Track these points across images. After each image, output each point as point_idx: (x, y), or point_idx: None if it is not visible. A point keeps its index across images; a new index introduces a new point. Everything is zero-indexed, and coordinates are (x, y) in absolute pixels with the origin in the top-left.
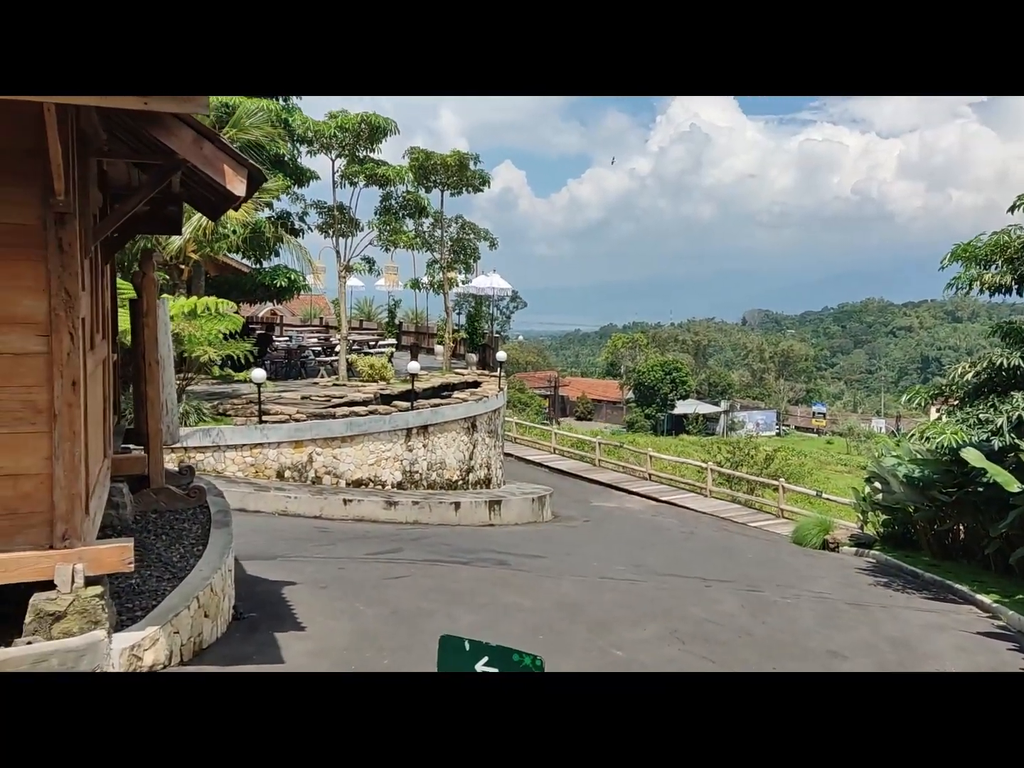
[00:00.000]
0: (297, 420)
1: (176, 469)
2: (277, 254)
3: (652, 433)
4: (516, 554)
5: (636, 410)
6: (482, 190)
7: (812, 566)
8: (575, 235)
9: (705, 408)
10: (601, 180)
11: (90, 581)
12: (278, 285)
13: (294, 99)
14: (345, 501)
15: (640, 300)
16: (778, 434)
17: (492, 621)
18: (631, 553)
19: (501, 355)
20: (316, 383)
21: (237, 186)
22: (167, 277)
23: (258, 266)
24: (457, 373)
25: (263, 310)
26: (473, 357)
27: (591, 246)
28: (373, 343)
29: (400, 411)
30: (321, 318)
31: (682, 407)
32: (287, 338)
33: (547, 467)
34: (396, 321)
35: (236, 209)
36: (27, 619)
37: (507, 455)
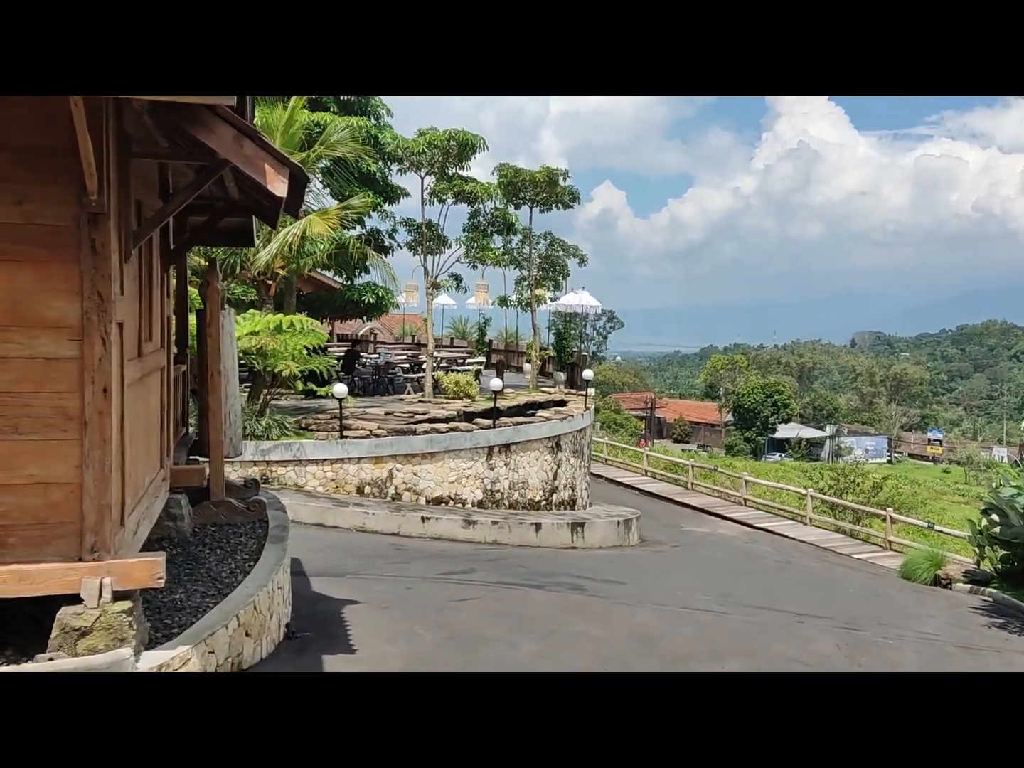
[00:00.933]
0: (378, 436)
1: (240, 482)
2: (367, 271)
3: (752, 457)
4: (595, 579)
5: (735, 433)
6: (572, 206)
7: (920, 603)
8: (676, 255)
9: (809, 432)
10: (703, 199)
11: (119, 596)
12: (366, 302)
13: (385, 117)
14: (423, 519)
15: (742, 321)
16: (889, 461)
17: (556, 650)
18: (719, 582)
19: (587, 373)
20: (402, 399)
21: (278, 186)
22: (255, 292)
23: (348, 283)
24: (544, 392)
25: (363, 328)
26: (561, 376)
27: (692, 266)
28: (461, 360)
29: (482, 429)
30: (413, 336)
31: (784, 431)
32: (376, 355)
33: (638, 489)
34: (486, 339)
35: (295, 215)
36: (53, 633)
37: (597, 476)
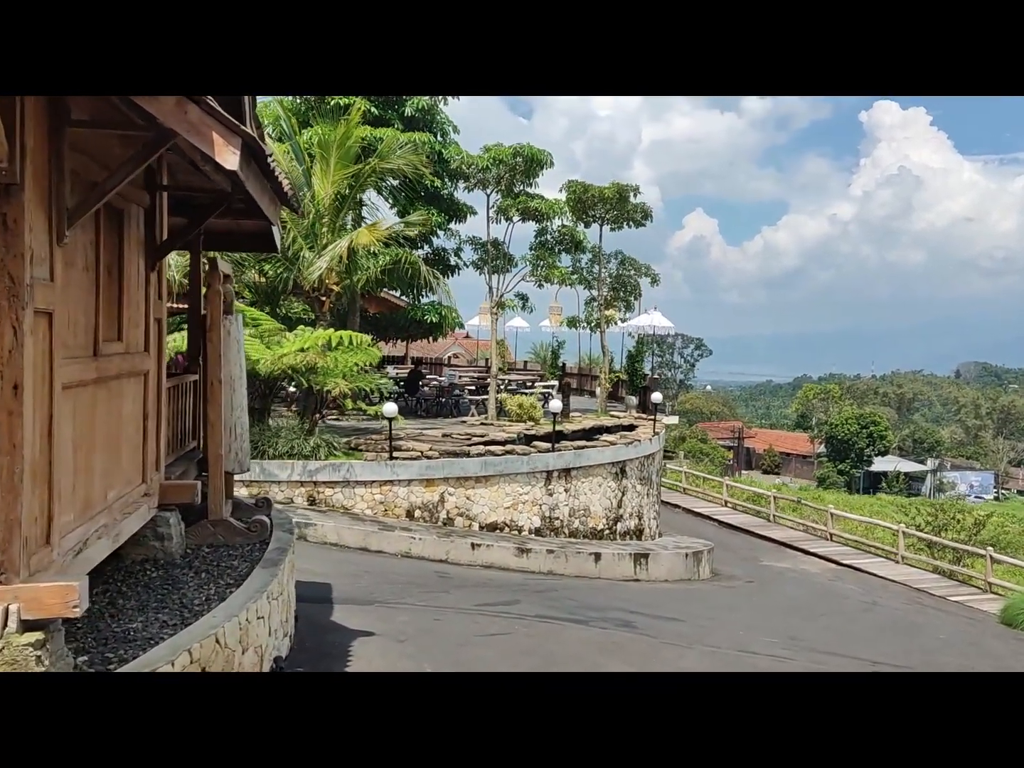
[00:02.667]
0: (429, 457)
1: (251, 500)
2: (432, 290)
3: (845, 490)
4: (649, 615)
5: (828, 465)
6: (644, 224)
7: (1019, 654)
8: (769, 283)
9: (908, 466)
10: (799, 227)
11: (31, 626)
12: (429, 321)
13: (452, 134)
14: (473, 545)
15: (838, 350)
16: (996, 498)
17: None
18: (790, 623)
19: (656, 396)
20: (464, 421)
21: (228, 157)
22: (308, 309)
23: (414, 303)
24: (612, 416)
25: (449, 350)
26: (633, 400)
27: (786, 294)
28: (530, 384)
29: (540, 452)
30: (487, 359)
31: (881, 464)
32: (445, 376)
33: (716, 520)
34: (560, 362)
35: (292, 207)
36: None
37: (674, 506)
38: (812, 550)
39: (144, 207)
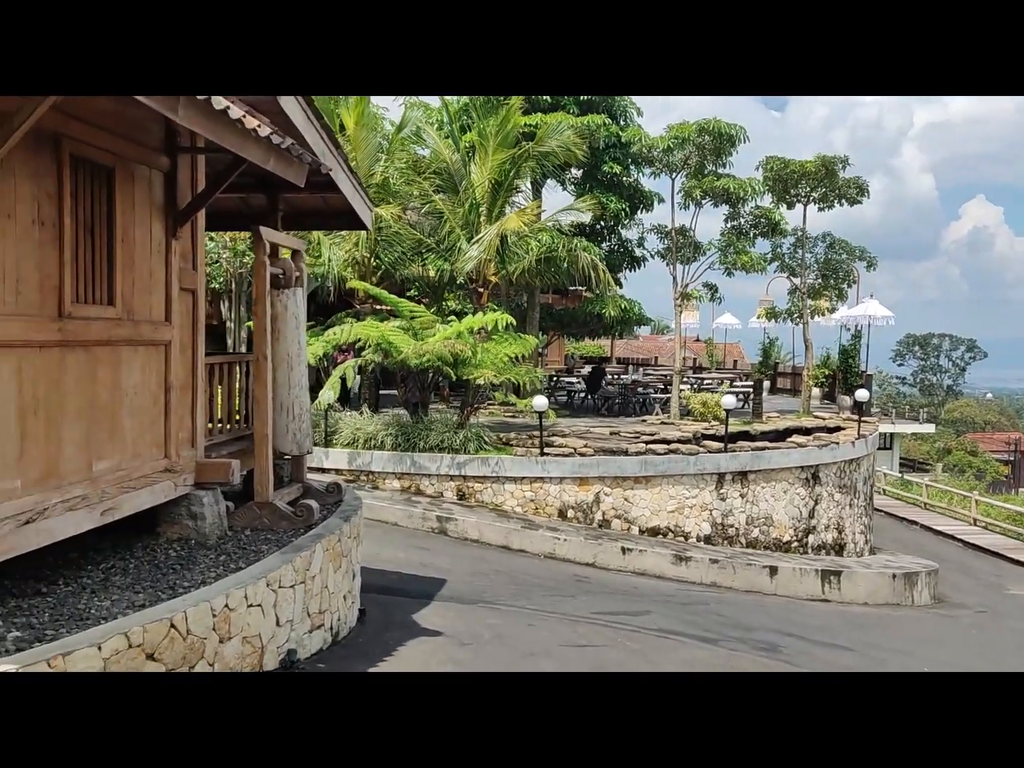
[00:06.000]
0: (582, 455)
1: (322, 486)
2: (619, 284)
3: None
4: (810, 640)
5: None
6: (860, 201)
7: None
8: None
9: None
10: None
11: None
12: (608, 315)
13: (636, 116)
14: (624, 550)
15: None
16: None
17: None
18: (1016, 666)
19: (861, 394)
20: (644, 420)
21: None
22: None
23: (596, 296)
24: (816, 417)
25: (668, 351)
26: (847, 400)
27: None
28: (725, 382)
29: (710, 452)
30: (695, 359)
31: None
32: (629, 374)
33: (960, 541)
34: (771, 361)
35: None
36: None
37: (910, 523)
38: None
39: (162, 170)
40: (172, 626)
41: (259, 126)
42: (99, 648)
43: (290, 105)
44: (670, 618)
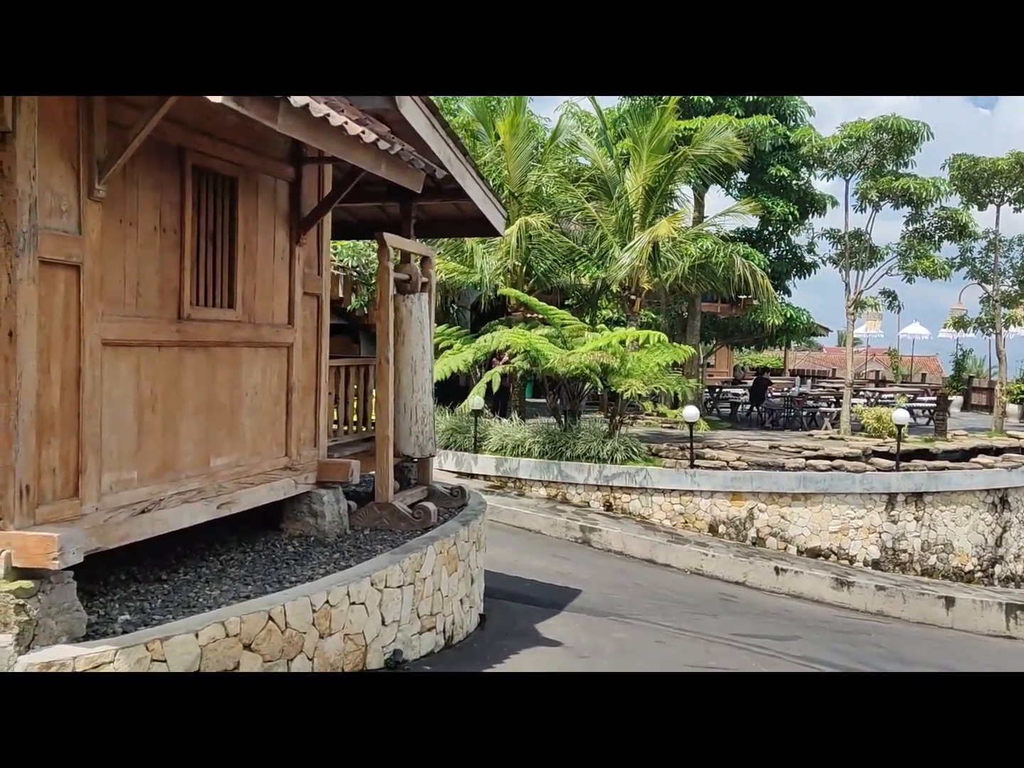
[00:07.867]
0: (735, 468)
1: (447, 489)
2: (787, 291)
3: None
4: None
5: None
6: None
7: None
8: None
9: None
10: None
11: (25, 575)
12: (771, 324)
13: (807, 116)
14: (778, 570)
15: None
16: None
17: None
18: None
19: None
20: (811, 435)
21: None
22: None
23: (760, 304)
24: (1011, 436)
25: (866, 365)
26: None
27: None
28: (911, 398)
29: (880, 471)
30: (877, 372)
31: None
32: (796, 387)
33: None
34: (965, 375)
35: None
36: None
37: None
38: None
39: (287, 180)
40: (270, 618)
41: (363, 132)
42: (196, 635)
43: (412, 112)
44: (819, 645)
